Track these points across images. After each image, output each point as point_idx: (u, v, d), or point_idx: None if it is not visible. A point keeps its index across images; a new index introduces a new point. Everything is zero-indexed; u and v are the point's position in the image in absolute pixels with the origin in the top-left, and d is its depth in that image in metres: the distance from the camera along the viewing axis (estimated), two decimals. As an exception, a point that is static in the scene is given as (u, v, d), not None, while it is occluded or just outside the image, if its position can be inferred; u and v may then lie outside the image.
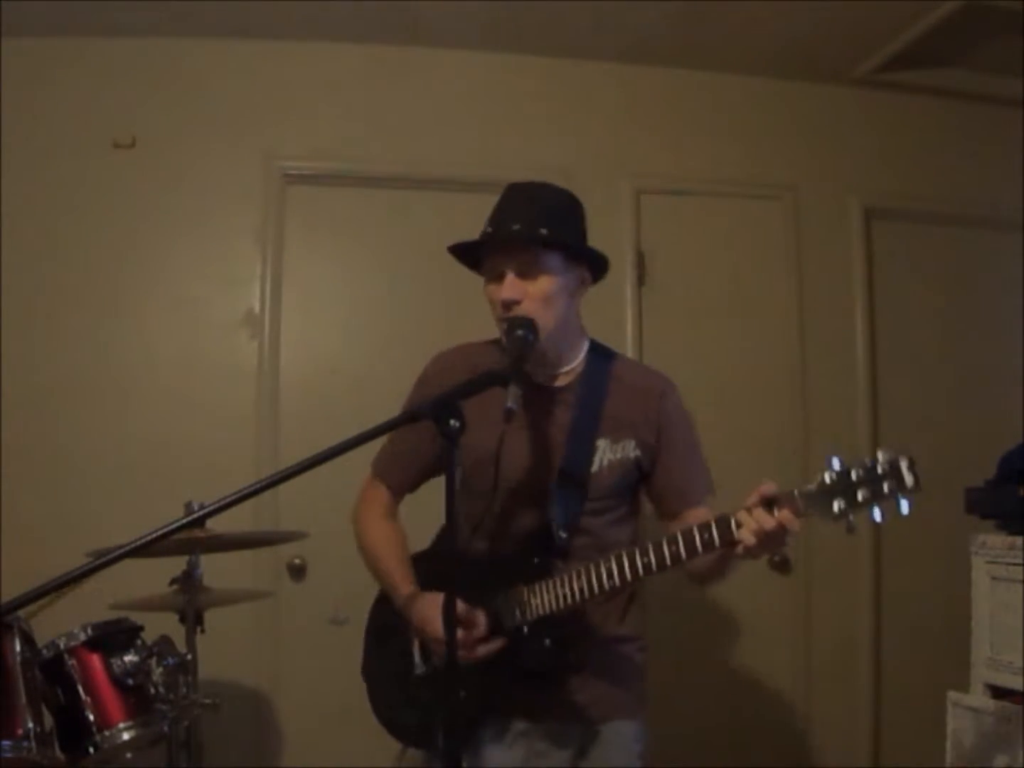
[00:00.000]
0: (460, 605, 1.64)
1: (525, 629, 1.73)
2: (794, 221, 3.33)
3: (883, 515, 1.43)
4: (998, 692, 2.16)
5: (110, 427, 2.90)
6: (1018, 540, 2.15)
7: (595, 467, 1.80)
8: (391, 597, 1.84)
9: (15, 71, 2.89)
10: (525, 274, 1.75)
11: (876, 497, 1.42)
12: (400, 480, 1.95)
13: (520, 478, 1.80)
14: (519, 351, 1.67)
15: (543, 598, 1.72)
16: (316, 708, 2.84)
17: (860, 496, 1.43)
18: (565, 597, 1.70)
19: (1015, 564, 2.13)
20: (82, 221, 2.95)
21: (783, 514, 1.49)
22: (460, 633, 1.64)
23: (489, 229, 1.79)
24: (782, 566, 3.19)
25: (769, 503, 1.50)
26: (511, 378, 1.58)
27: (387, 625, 1.88)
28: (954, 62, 3.24)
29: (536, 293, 1.74)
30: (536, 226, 1.74)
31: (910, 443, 3.52)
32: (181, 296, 2.99)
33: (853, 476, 1.44)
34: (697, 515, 1.74)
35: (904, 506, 1.41)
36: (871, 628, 3.24)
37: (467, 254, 1.85)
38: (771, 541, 1.51)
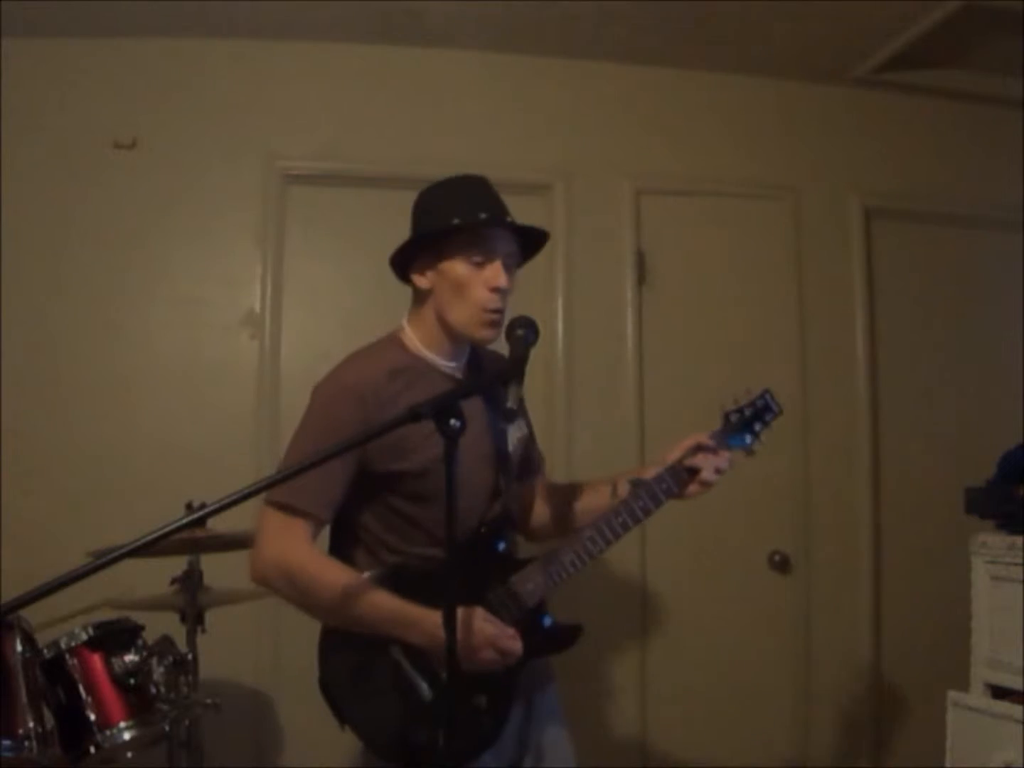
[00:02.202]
0: (490, 618, 1.67)
1: (545, 617, 1.79)
2: (794, 221, 3.33)
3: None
4: (998, 692, 2.16)
5: (111, 427, 2.90)
6: (1018, 540, 2.15)
7: (511, 447, 1.88)
8: (381, 628, 1.66)
9: (16, 71, 2.90)
10: (507, 266, 1.77)
11: (765, 425, 1.98)
12: (329, 512, 1.72)
13: (474, 475, 1.77)
14: (521, 351, 1.67)
15: (535, 581, 1.75)
16: (316, 708, 2.83)
17: (757, 427, 1.97)
18: (556, 574, 1.76)
19: (1015, 564, 2.13)
20: (83, 222, 2.95)
21: (726, 453, 1.90)
22: (502, 636, 1.66)
23: (483, 215, 1.75)
24: (782, 566, 3.19)
25: (701, 448, 1.88)
26: (513, 378, 1.59)
27: (359, 666, 1.71)
28: (954, 62, 3.24)
29: (511, 286, 1.79)
30: (522, 224, 1.79)
31: (910, 443, 3.55)
32: (181, 296, 2.99)
33: (747, 414, 1.96)
34: (541, 480, 2.07)
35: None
36: (871, 628, 3.24)
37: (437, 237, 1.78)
38: (720, 476, 1.88)
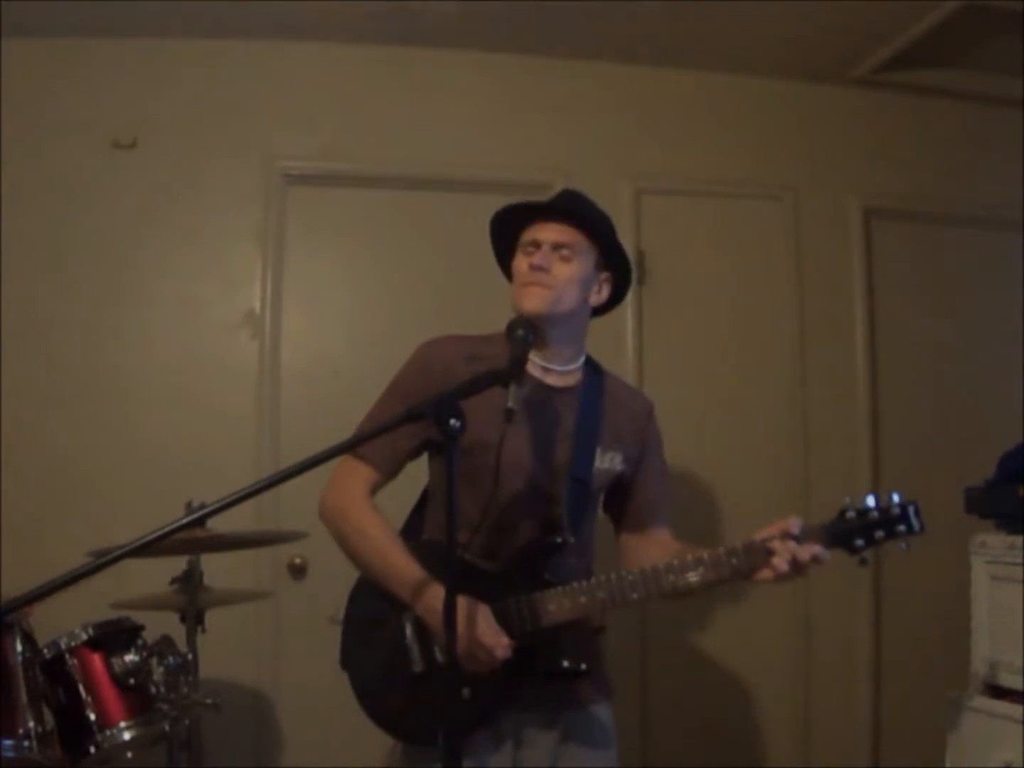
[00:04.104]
0: (487, 616, 1.67)
1: (560, 644, 1.75)
2: (794, 221, 3.33)
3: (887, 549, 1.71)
4: (998, 692, 2.16)
5: (111, 427, 2.90)
6: (1018, 540, 2.15)
7: (592, 471, 1.86)
8: (393, 588, 1.74)
9: (15, 71, 2.89)
10: (561, 252, 1.81)
11: (890, 536, 1.67)
12: (386, 464, 1.83)
13: (524, 475, 1.80)
14: (520, 351, 1.68)
15: (561, 605, 1.72)
16: (316, 708, 2.84)
17: (876, 535, 1.67)
18: (585, 607, 1.72)
19: (1015, 564, 2.13)
20: (83, 222, 2.95)
21: (814, 548, 1.65)
22: (487, 641, 1.64)
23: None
24: (782, 566, 3.19)
25: (786, 535, 1.66)
26: (512, 378, 1.59)
27: (375, 616, 1.82)
28: (954, 62, 3.24)
29: (565, 273, 1.81)
30: (588, 217, 1.85)
31: (910, 443, 3.55)
32: (182, 296, 2.99)
33: (872, 516, 1.67)
34: (661, 535, 1.94)
35: (905, 544, 1.69)
36: (871, 629, 3.24)
37: (507, 225, 1.88)
38: (801, 571, 1.66)
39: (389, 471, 1.85)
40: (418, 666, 1.75)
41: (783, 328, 3.30)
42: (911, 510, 1.69)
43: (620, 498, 1.96)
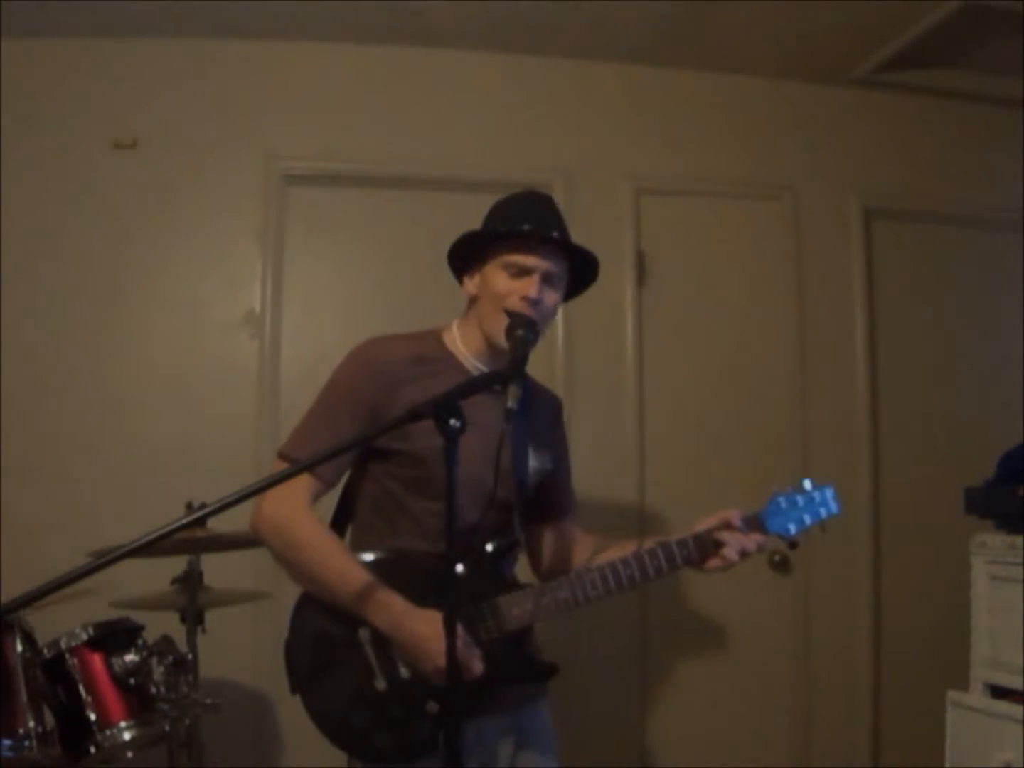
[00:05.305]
0: (460, 632, 1.62)
1: (525, 646, 1.77)
2: (794, 221, 3.33)
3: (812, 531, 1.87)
4: (998, 692, 2.16)
5: (110, 427, 2.90)
6: (1018, 540, 2.15)
7: (530, 472, 1.87)
8: (349, 603, 1.66)
9: (15, 71, 2.90)
10: (548, 282, 1.76)
11: (814, 519, 1.84)
12: (332, 474, 1.76)
13: (479, 480, 1.74)
14: (520, 351, 1.68)
15: (523, 607, 1.72)
16: (316, 708, 2.84)
17: (806, 519, 1.83)
18: (548, 608, 1.72)
19: (1015, 564, 2.13)
20: (82, 221, 2.96)
21: (758, 537, 1.81)
22: (463, 657, 1.60)
23: (526, 227, 1.74)
24: (782, 566, 3.19)
25: (728, 527, 1.80)
26: (512, 378, 1.59)
27: (323, 635, 1.72)
28: (954, 62, 3.24)
29: (551, 301, 1.79)
30: (581, 247, 1.79)
31: (910, 443, 3.55)
32: (181, 296, 2.99)
33: (799, 502, 1.83)
34: (575, 528, 2.00)
35: (823, 528, 1.87)
36: (871, 628, 3.24)
37: (483, 242, 1.80)
38: (745, 558, 1.81)
39: (333, 481, 1.78)
40: (381, 684, 1.68)
41: (783, 328, 3.30)
42: (829, 494, 1.85)
43: (542, 495, 1.94)
